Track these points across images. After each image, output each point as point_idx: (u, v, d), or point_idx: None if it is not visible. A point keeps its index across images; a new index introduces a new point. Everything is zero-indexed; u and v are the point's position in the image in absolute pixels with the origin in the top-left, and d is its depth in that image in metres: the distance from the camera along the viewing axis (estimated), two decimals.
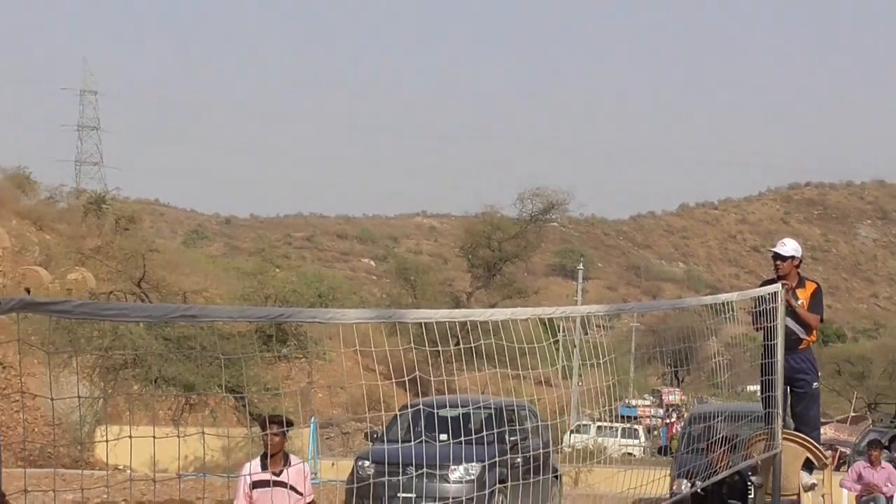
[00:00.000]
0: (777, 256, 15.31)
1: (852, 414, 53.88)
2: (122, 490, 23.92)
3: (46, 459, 30.77)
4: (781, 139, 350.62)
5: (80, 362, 36.90)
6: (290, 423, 14.52)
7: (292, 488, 12.84)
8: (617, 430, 61.19)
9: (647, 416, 74.05)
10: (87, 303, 7.44)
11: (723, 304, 17.91)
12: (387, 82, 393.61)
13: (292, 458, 13.26)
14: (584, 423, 54.82)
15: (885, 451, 24.54)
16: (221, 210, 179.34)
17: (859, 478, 22.33)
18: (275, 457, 12.91)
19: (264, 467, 12.75)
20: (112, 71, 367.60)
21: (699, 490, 15.45)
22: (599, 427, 57.32)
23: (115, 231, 52.47)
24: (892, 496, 22.11)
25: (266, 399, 38.01)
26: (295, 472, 13.02)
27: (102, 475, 27.42)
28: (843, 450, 31.03)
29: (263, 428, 13.60)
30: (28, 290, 37.55)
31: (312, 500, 13.25)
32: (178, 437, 21.87)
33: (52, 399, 34.03)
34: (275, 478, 12.71)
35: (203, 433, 23.73)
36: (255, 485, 12.69)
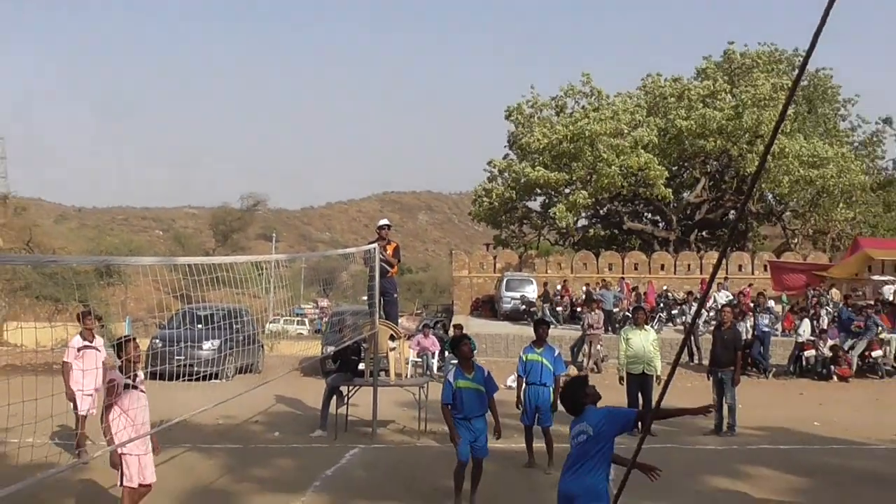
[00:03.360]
0: (381, 227, 15.67)
1: (416, 311, 54.65)
2: (21, 355, 22.68)
3: None
4: (380, 161, 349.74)
5: None
6: (99, 318, 14.00)
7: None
8: (295, 320, 60.90)
9: (310, 314, 73.53)
10: None
11: (349, 254, 18.16)
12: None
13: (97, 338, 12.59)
14: (275, 318, 54.07)
15: (430, 329, 24.88)
16: (76, 203, 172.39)
17: (418, 343, 22.68)
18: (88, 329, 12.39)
19: (84, 338, 12.23)
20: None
21: (335, 349, 15.45)
22: (284, 320, 56.99)
23: (14, 215, 49.66)
24: (434, 351, 22.63)
25: (101, 306, 36.56)
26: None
27: (6, 349, 25.88)
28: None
29: (79, 319, 12.92)
30: None
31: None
32: (51, 328, 20.75)
33: None
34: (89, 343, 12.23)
35: (66, 326, 22.61)
36: (80, 349, 12.10)
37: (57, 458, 11.38)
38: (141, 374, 8.22)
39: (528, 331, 28.76)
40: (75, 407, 11.74)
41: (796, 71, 39.14)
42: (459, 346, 10.12)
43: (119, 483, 7.98)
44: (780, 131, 39.43)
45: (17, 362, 21.37)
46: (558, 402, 11.97)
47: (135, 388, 8.00)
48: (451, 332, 24.65)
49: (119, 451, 7.83)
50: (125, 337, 8.42)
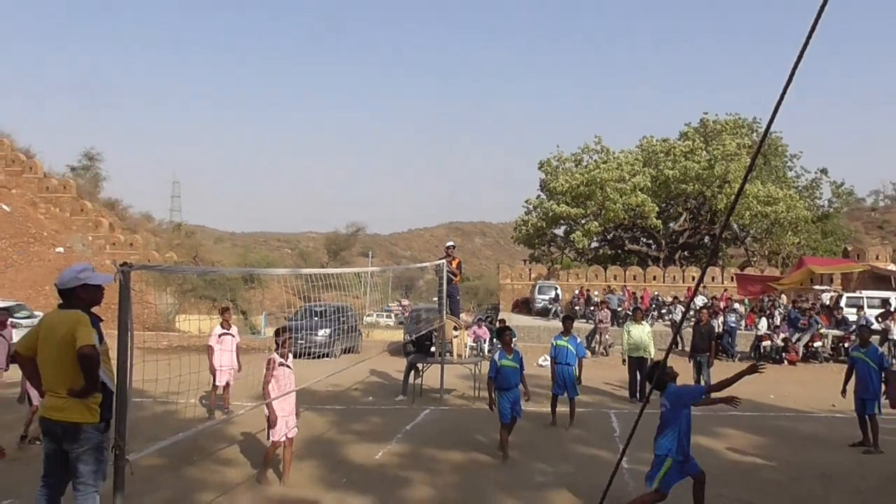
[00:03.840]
0: (448, 247, 15.59)
1: (472, 309, 54.51)
2: (188, 339, 22.96)
3: (154, 328, 29.32)
4: (449, 200, 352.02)
5: (170, 289, 35.43)
6: (244, 312, 13.85)
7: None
8: (384, 315, 61.02)
9: (395, 310, 73.47)
10: (172, 266, 7.08)
11: (424, 267, 18.11)
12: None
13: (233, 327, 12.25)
14: (370, 313, 54.24)
15: (483, 322, 24.65)
16: (229, 228, 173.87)
17: (474, 332, 22.38)
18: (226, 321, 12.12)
19: (223, 327, 11.93)
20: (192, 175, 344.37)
21: (414, 338, 15.41)
22: (377, 314, 57.22)
23: (185, 237, 50.55)
24: (486, 338, 22.22)
25: (245, 304, 37.08)
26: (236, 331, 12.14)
27: (178, 335, 26.30)
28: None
29: (221, 313, 12.62)
30: (149, 260, 35.69)
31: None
32: (210, 319, 20.97)
33: (154, 304, 32.71)
34: (227, 331, 11.95)
35: (219, 318, 22.79)
36: (220, 335, 11.85)
37: (211, 414, 11.51)
38: (290, 356, 8.17)
39: (555, 324, 28.61)
40: (215, 379, 11.76)
41: (755, 133, 38.61)
42: (503, 335, 10.09)
43: (268, 437, 7.95)
44: (745, 179, 39.21)
45: (185, 344, 21.66)
46: (582, 375, 11.85)
47: (286, 366, 7.96)
48: (497, 324, 24.50)
49: (274, 412, 7.78)
50: (282, 328, 8.41)
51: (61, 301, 5.23)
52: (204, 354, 11.67)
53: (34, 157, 43.80)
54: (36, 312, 20.82)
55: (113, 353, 5.14)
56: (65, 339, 4.94)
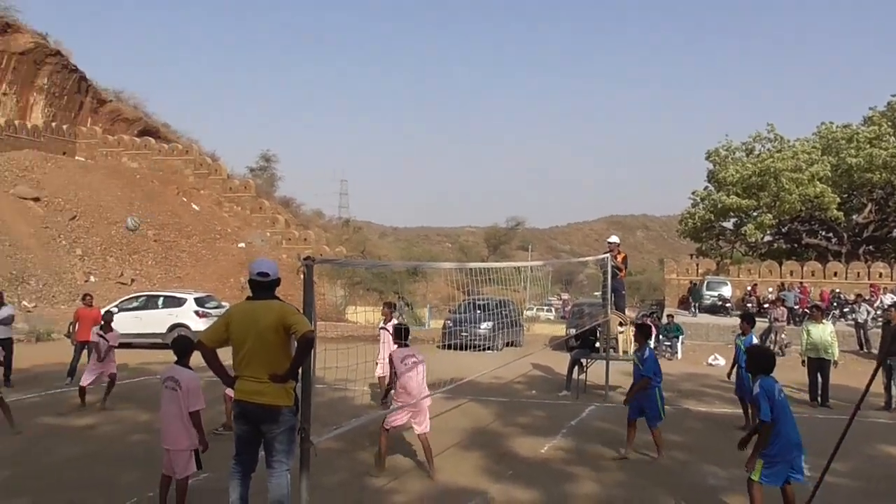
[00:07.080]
0: (611, 243, 15.25)
1: (635, 304, 53.15)
2: (358, 329, 23.89)
3: (326, 318, 30.79)
4: (607, 192, 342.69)
5: (341, 282, 37.03)
6: (394, 305, 13.56)
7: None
8: (545, 309, 60.68)
9: (556, 304, 72.79)
10: (347, 260, 7.43)
11: (584, 261, 17.81)
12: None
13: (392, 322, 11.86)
14: (530, 306, 54.05)
15: (648, 317, 24.07)
16: (393, 223, 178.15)
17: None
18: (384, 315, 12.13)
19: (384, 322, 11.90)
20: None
21: (577, 332, 15.24)
22: (538, 308, 56.99)
23: (353, 233, 52.57)
24: (651, 334, 21.50)
25: (410, 297, 38.10)
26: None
27: (348, 325, 27.42)
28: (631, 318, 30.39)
29: (387, 307, 12.59)
30: (321, 255, 37.52)
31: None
32: (376, 311, 21.71)
33: (326, 295, 34.27)
34: (384, 326, 11.89)
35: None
36: (380, 329, 11.92)
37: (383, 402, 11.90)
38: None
39: (723, 321, 27.36)
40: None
41: None
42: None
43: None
44: None
45: (355, 334, 22.56)
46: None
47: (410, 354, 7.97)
48: (664, 320, 23.79)
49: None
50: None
51: (252, 292, 5.54)
52: (371, 344, 12.10)
53: (219, 160, 47.53)
54: (223, 303, 22.42)
55: None
56: (271, 326, 5.26)
